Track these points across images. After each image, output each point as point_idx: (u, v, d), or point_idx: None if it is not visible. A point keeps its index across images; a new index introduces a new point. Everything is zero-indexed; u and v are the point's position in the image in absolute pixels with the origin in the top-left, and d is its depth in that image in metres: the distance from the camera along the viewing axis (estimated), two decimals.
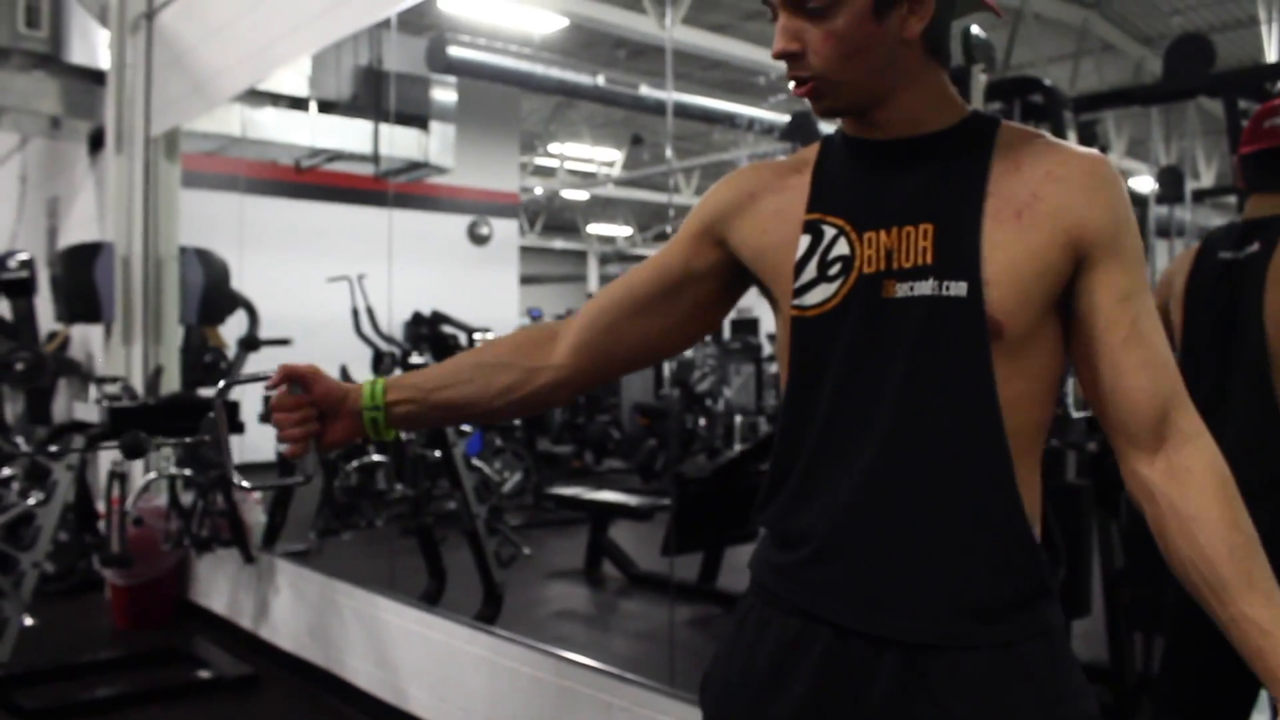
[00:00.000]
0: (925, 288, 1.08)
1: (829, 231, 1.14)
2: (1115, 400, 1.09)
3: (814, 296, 1.14)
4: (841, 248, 1.13)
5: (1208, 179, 11.41)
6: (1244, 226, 2.33)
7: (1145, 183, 8.26)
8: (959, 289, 1.07)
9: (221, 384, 1.34)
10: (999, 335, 1.06)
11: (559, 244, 19.56)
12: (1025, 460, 1.10)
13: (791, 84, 1.13)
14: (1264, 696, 2.37)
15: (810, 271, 1.14)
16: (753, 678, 1.17)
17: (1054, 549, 1.16)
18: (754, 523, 1.23)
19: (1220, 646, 2.43)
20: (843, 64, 1.09)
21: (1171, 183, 6.23)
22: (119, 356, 5.08)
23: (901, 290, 1.09)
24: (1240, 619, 1.02)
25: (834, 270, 1.13)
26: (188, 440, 4.05)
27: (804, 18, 1.08)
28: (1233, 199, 4.55)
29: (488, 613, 3.86)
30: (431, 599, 4.05)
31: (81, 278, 5.02)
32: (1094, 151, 1.12)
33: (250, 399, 4.91)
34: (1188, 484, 1.06)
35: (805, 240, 1.15)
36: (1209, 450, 1.08)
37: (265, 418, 1.35)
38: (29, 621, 3.56)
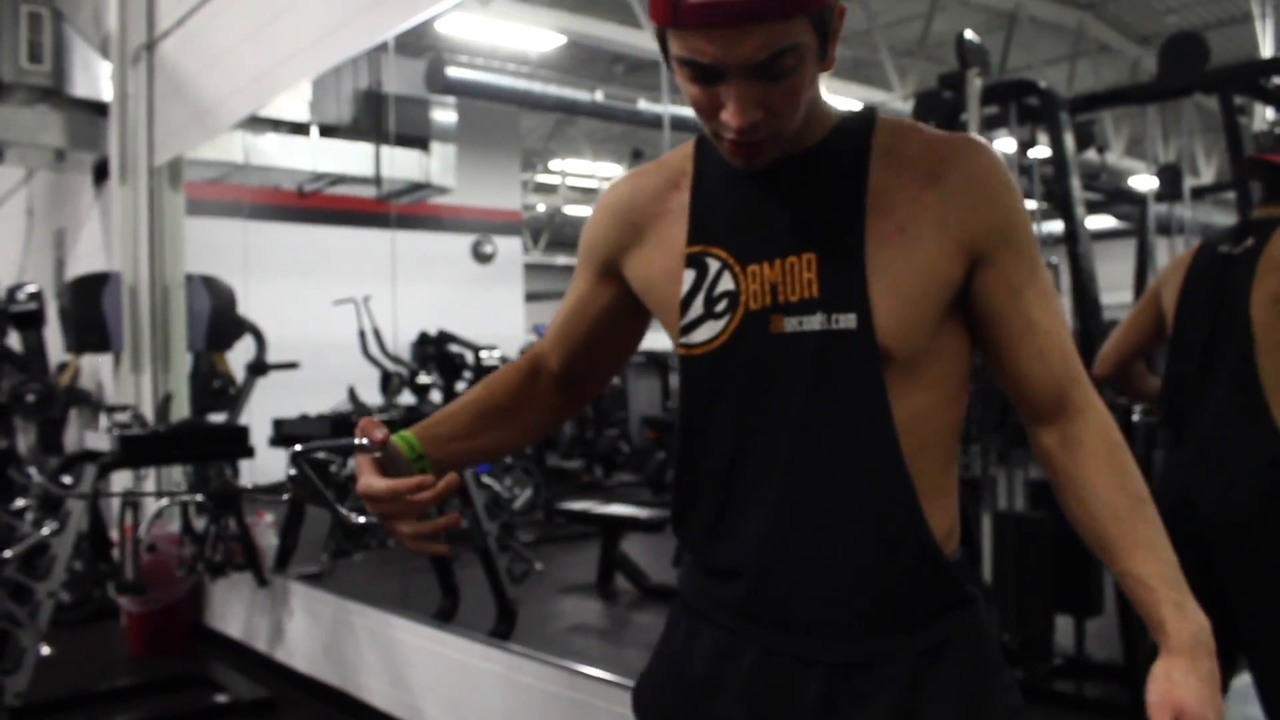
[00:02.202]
0: (814, 322, 1.07)
1: (713, 265, 1.12)
2: (1018, 386, 1.13)
3: (701, 334, 1.12)
4: (726, 283, 1.11)
5: (1207, 176, 11.42)
6: (1242, 225, 2.41)
7: (1145, 181, 8.26)
8: (848, 321, 1.06)
9: (298, 448, 1.31)
10: (890, 359, 1.06)
11: (563, 260, 19.60)
12: (935, 472, 1.11)
13: (738, 146, 1.07)
14: (1237, 686, 2.39)
15: (697, 308, 1.13)
16: (691, 680, 1.18)
17: (973, 551, 1.19)
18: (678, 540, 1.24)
19: None
20: (798, 114, 1.06)
21: (1170, 181, 6.23)
22: (129, 385, 5.11)
23: (790, 325, 1.08)
24: (1126, 575, 1.06)
25: (720, 307, 1.11)
26: (285, 497, 4.09)
27: (763, 80, 1.01)
28: (1232, 195, 4.56)
29: (502, 629, 3.88)
30: (445, 617, 4.07)
31: (90, 308, 5.06)
32: (971, 139, 1.11)
33: (259, 423, 4.94)
34: (1078, 453, 1.10)
35: (689, 275, 1.13)
36: (1099, 421, 1.11)
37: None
38: (46, 650, 3.58)
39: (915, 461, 1.07)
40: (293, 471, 3.81)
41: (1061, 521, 3.77)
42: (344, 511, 1.26)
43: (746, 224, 1.12)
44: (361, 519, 1.21)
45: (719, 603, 1.17)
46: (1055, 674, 3.63)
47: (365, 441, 1.15)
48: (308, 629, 4.06)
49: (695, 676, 1.18)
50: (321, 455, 3.33)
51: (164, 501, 4.53)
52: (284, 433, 4.70)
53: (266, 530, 4.55)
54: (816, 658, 1.10)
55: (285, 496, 4.07)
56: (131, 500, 4.40)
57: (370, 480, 1.14)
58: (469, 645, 3.31)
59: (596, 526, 5.39)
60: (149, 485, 4.93)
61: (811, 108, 1.10)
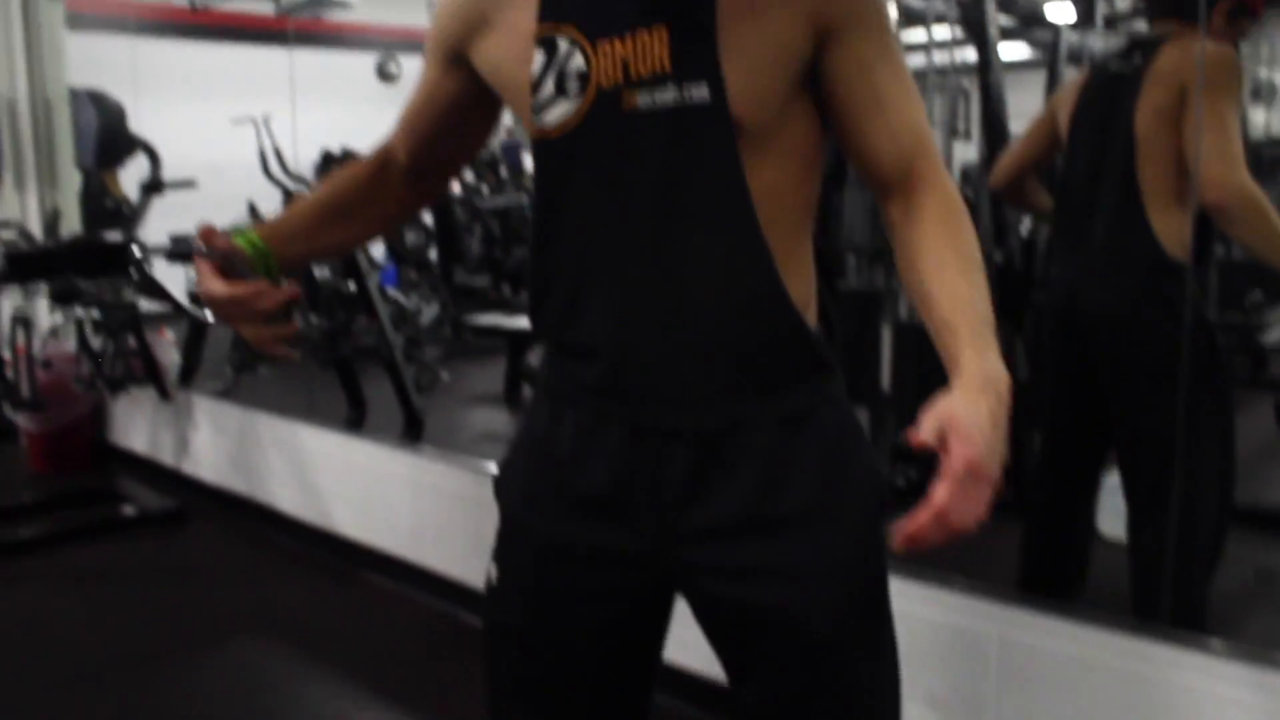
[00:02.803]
0: (667, 96, 1.05)
1: (563, 45, 1.10)
2: (867, 162, 1.13)
3: (553, 115, 1.10)
4: (577, 61, 1.09)
5: (1123, 3, 11.40)
6: (1131, 43, 2.51)
7: (1059, 9, 8.24)
8: (700, 93, 1.04)
9: (132, 247, 1.30)
10: (743, 131, 1.06)
11: None
12: (790, 246, 1.12)
13: None
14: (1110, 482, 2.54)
15: (548, 89, 1.10)
16: (557, 461, 1.19)
17: (829, 330, 1.22)
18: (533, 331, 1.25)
19: (1073, 437, 2.66)
20: None
21: (1085, 6, 6.22)
22: (12, 203, 4.90)
23: (643, 101, 1.06)
24: (938, 323, 1.06)
25: (572, 87, 1.09)
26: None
27: None
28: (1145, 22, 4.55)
29: (409, 435, 3.91)
30: (353, 425, 4.08)
31: None
32: None
33: (159, 239, 4.81)
34: (917, 218, 1.11)
35: (539, 57, 1.11)
36: (941, 190, 1.12)
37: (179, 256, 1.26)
38: None
39: (770, 233, 1.08)
40: (134, 274, 3.83)
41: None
42: (190, 307, 1.29)
43: (596, 1, 1.09)
44: (210, 317, 1.22)
45: (581, 385, 1.17)
46: None
47: (205, 248, 1.17)
48: (214, 441, 4.05)
49: (561, 456, 1.18)
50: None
51: (58, 319, 4.41)
52: (179, 249, 4.57)
53: (169, 348, 4.47)
54: (682, 428, 1.12)
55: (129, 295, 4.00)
56: (23, 319, 4.26)
57: (210, 284, 1.17)
58: (376, 449, 3.35)
59: (504, 339, 5.40)
60: (42, 306, 4.79)
61: None
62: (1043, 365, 2.68)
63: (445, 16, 1.23)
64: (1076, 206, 2.52)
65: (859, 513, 1.18)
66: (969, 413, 0.97)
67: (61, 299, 4.02)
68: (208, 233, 1.18)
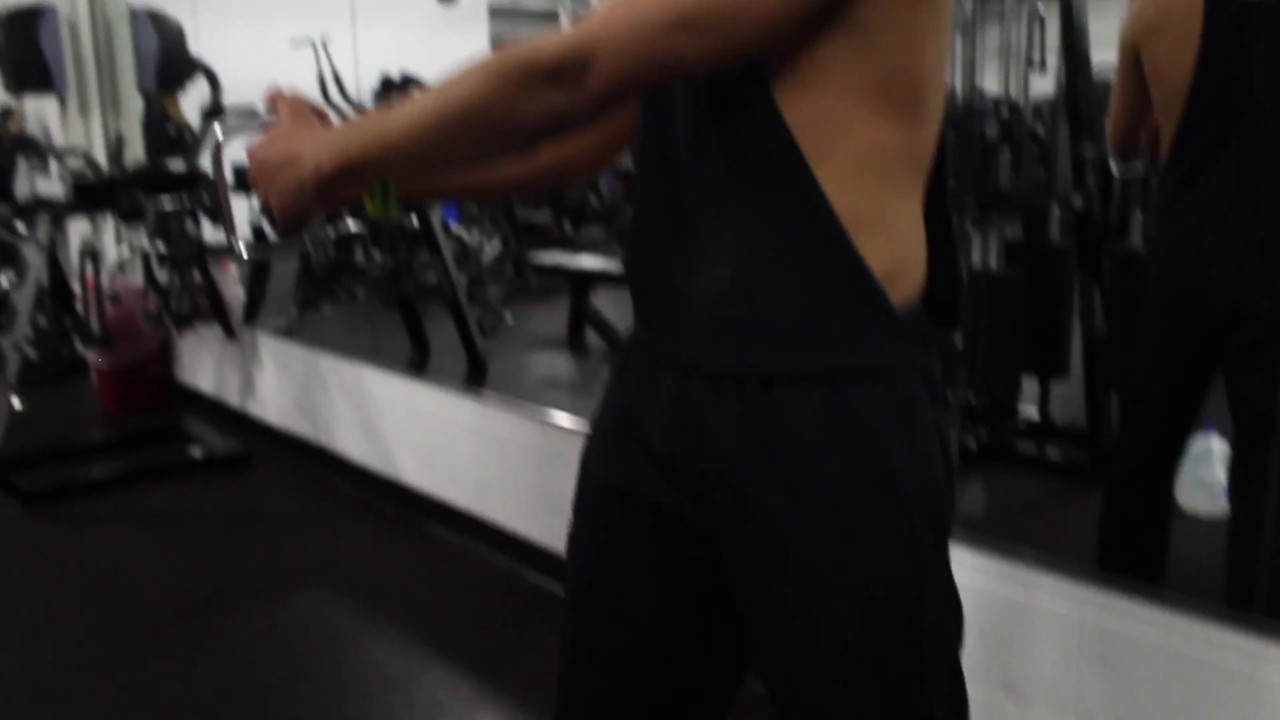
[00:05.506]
0: None
1: None
2: None
3: None
4: None
5: None
6: None
7: None
8: None
9: (215, 125, 1.25)
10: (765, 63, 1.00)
11: (531, 3, 18.73)
12: (858, 185, 1.03)
13: None
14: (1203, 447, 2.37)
15: None
16: (628, 405, 1.19)
17: (950, 270, 1.12)
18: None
19: (1170, 403, 2.44)
20: None
21: None
22: (77, 129, 4.89)
23: None
24: None
25: None
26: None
27: None
28: None
29: (473, 380, 3.89)
30: (416, 368, 4.07)
31: (26, 44, 4.76)
32: None
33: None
34: None
35: None
36: (533, 43, 0.99)
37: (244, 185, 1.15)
38: (18, 405, 3.56)
39: (827, 169, 1.01)
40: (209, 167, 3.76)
41: (1033, 282, 3.71)
42: (234, 238, 1.24)
43: None
44: (244, 253, 1.16)
45: (644, 324, 1.19)
46: (1018, 435, 3.70)
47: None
48: (279, 382, 4.06)
49: (631, 401, 1.18)
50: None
51: (125, 252, 4.42)
52: (245, 181, 4.54)
53: (233, 283, 4.47)
54: (723, 370, 1.07)
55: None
56: (91, 251, 4.27)
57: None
58: (441, 395, 3.32)
59: (566, 280, 5.33)
60: (108, 240, 4.80)
61: None
62: (1130, 322, 2.50)
63: None
64: (1200, 156, 2.20)
65: (893, 530, 1.05)
66: (297, 132, 1.05)
67: (129, 216, 4.01)
68: (281, 98, 1.14)
